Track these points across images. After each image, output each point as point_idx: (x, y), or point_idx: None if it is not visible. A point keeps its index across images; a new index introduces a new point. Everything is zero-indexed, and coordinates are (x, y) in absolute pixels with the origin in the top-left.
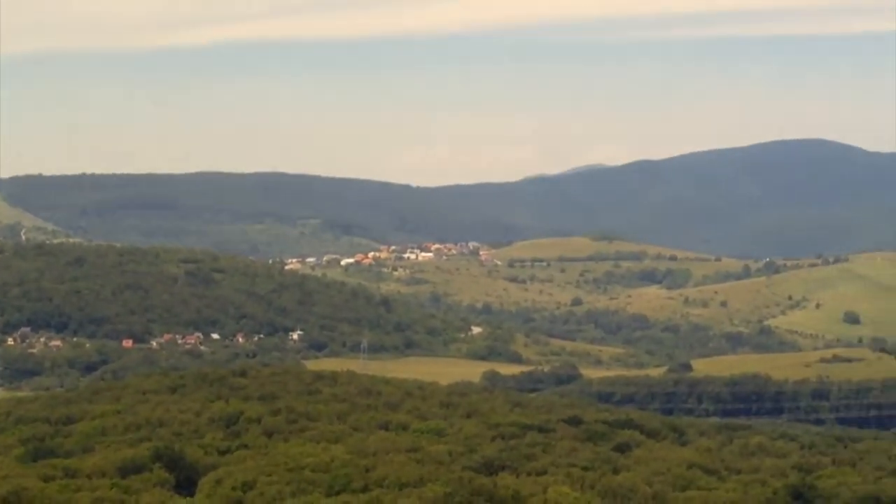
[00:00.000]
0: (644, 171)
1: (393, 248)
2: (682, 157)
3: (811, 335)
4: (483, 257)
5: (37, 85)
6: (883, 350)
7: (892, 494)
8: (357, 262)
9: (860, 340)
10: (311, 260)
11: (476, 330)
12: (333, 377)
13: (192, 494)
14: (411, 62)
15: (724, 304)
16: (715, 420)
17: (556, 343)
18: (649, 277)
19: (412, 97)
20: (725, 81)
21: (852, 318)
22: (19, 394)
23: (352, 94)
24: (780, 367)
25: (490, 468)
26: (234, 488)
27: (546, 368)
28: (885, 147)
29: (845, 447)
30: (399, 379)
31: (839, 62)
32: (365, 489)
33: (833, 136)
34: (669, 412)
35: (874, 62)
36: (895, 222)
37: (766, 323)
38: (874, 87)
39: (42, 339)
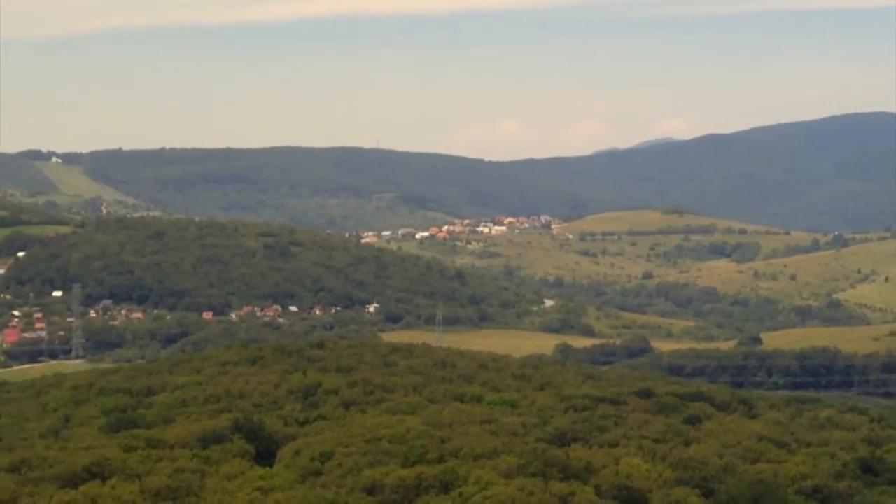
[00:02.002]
0: (713, 145)
1: (466, 221)
2: (752, 130)
3: (880, 308)
4: (555, 231)
5: (115, 61)
6: None
7: None
8: (431, 236)
9: None
10: (386, 233)
11: (548, 303)
12: (409, 349)
13: (271, 465)
14: (482, 37)
15: (793, 277)
16: (784, 393)
17: (628, 316)
18: (719, 251)
19: (484, 72)
20: (795, 54)
21: None
22: (102, 365)
23: (426, 70)
24: (849, 341)
25: (562, 440)
26: (312, 459)
27: (617, 341)
28: None
29: None
30: (473, 351)
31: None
32: (440, 460)
33: None
34: (739, 385)
35: None
36: None
37: (834, 296)
38: None
39: (123, 312)
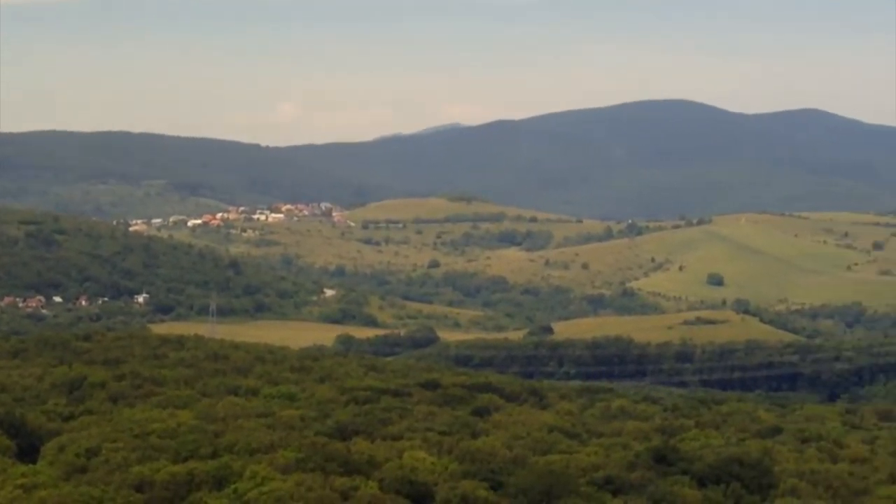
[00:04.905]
0: (503, 131)
1: (242, 209)
2: (544, 116)
3: (674, 297)
4: (336, 219)
5: None
6: (746, 312)
7: (755, 456)
8: (205, 224)
9: (724, 302)
10: (156, 221)
11: (329, 293)
12: (180, 341)
13: (34, 462)
14: (261, 19)
15: (585, 266)
16: (576, 383)
17: (413, 306)
18: (509, 239)
19: (262, 55)
20: (587, 40)
21: (716, 280)
22: None
23: (199, 51)
24: (642, 330)
25: (344, 433)
26: (77, 455)
27: (402, 332)
28: (749, 108)
29: (709, 409)
30: (249, 343)
31: (703, 20)
32: (214, 455)
33: (697, 96)
34: (530, 376)
35: (737, 23)
36: (759, 183)
37: (628, 285)
38: (738, 46)
39: None
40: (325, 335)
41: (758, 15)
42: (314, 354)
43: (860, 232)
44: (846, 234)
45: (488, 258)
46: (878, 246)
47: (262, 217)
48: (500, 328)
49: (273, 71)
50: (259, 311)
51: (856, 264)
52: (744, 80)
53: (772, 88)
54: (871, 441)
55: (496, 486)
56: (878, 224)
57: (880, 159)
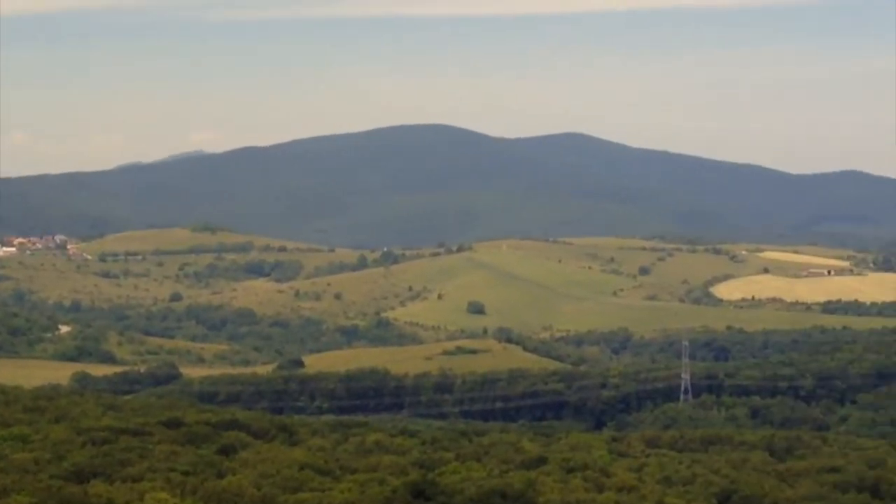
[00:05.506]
0: (250, 158)
1: None
2: (293, 143)
3: (433, 327)
4: (71, 251)
5: None
6: (509, 340)
7: (518, 488)
8: None
9: (485, 331)
10: None
11: (64, 329)
12: None
13: None
14: None
15: (338, 296)
16: (329, 418)
17: (154, 341)
18: (256, 270)
19: None
20: (339, 63)
21: (477, 309)
22: None
23: None
24: (399, 361)
25: (81, 476)
26: None
27: (142, 368)
28: (511, 132)
29: (470, 441)
30: None
31: (462, 46)
32: None
33: (457, 121)
34: (279, 411)
35: (497, 47)
36: (521, 209)
37: (384, 315)
38: (498, 70)
39: None
40: (60, 373)
41: (516, 37)
42: (48, 394)
43: (626, 257)
44: (612, 260)
45: (234, 290)
46: (643, 271)
47: None
48: (247, 362)
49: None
50: None
51: (622, 290)
52: (505, 104)
53: (535, 112)
54: (638, 469)
55: None
56: (643, 249)
57: (646, 183)
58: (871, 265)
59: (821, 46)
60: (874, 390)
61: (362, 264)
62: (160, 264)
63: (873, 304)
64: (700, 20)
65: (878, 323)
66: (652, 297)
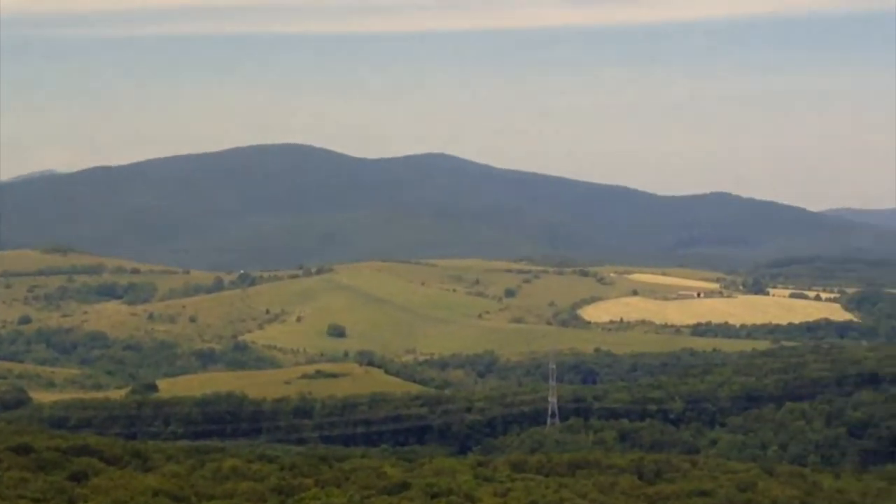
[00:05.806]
0: (101, 179)
1: None
2: (146, 162)
3: (292, 350)
4: None
5: None
6: (370, 364)
7: None
8: None
9: (346, 354)
10: None
11: None
12: None
13: None
14: None
15: (193, 319)
16: (184, 443)
17: (2, 365)
18: (109, 292)
19: None
20: (195, 83)
21: (337, 332)
22: None
23: None
24: (257, 385)
25: None
26: None
27: None
28: (371, 153)
29: (330, 467)
30: None
31: (324, 64)
32: None
33: (315, 141)
34: (133, 437)
35: (359, 66)
36: (383, 230)
37: (241, 338)
38: (359, 91)
39: None
40: None
41: (380, 56)
42: None
43: (491, 279)
44: (477, 282)
45: (86, 313)
46: (509, 293)
47: None
48: (99, 387)
49: None
50: None
51: (487, 312)
52: (368, 123)
53: (397, 133)
54: (504, 493)
55: None
56: (509, 271)
57: (511, 205)
58: (741, 287)
59: (687, 69)
60: (744, 413)
61: (218, 286)
62: (8, 286)
63: (743, 327)
64: (565, 41)
65: (747, 345)
66: (518, 320)
